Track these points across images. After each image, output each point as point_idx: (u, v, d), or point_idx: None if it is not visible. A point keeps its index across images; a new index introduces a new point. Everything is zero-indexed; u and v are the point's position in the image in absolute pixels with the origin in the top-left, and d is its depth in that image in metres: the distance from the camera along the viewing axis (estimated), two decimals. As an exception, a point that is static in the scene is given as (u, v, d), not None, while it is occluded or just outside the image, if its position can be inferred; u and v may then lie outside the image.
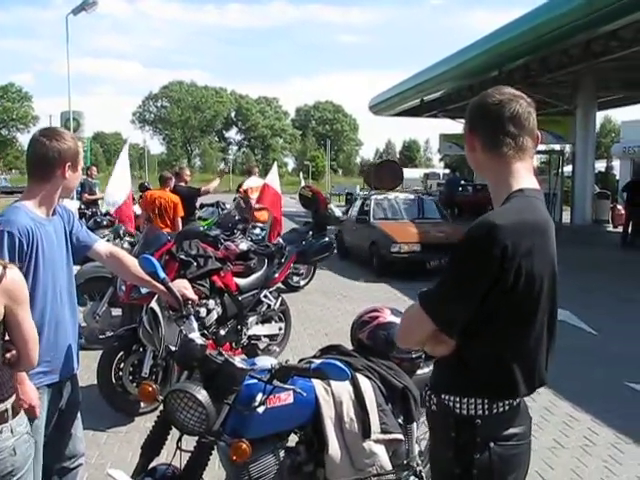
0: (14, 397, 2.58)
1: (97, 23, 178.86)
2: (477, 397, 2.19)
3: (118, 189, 11.08)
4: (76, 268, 3.71)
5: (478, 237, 2.09)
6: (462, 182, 34.07)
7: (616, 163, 41.97)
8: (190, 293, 3.39)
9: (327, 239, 11.75)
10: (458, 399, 2.22)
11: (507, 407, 2.21)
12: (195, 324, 3.17)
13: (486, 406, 2.19)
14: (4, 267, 2.48)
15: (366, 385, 3.39)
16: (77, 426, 3.46)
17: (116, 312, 8.09)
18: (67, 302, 3.22)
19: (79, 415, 3.49)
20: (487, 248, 2.05)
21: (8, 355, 2.57)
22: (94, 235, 3.57)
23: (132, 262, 3.49)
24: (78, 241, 3.36)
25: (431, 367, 3.91)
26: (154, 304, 4.56)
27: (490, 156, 2.26)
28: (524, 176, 2.24)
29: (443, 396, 2.27)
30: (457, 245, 2.15)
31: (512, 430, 2.23)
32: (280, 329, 7.30)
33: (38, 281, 3.00)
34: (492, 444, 2.18)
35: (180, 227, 10.50)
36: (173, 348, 3.54)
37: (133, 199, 15.71)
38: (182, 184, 12.15)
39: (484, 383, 2.20)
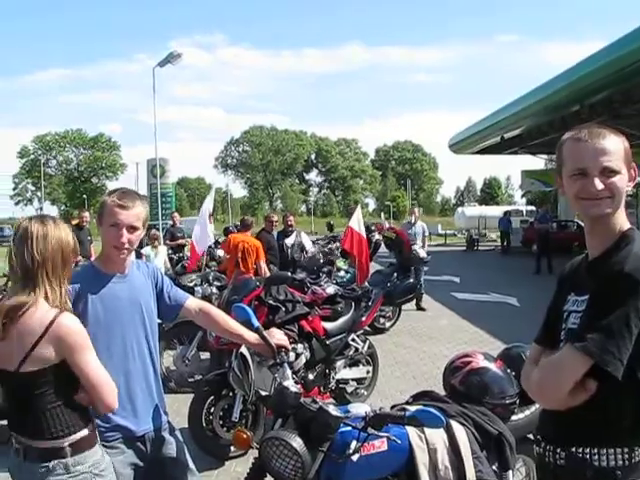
0: (78, 435, 2.57)
1: (179, 73, 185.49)
2: (616, 447, 2.11)
3: (202, 236, 11.71)
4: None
5: None
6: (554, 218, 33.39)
7: None
8: (284, 341, 3.38)
9: (412, 280, 11.74)
10: (596, 450, 2.13)
11: None
12: (289, 372, 3.19)
13: (626, 455, 2.11)
14: (59, 312, 2.52)
15: (460, 432, 3.32)
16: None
17: (205, 355, 8.27)
18: (140, 356, 3.17)
19: (191, 467, 3.32)
20: None
21: (77, 397, 2.58)
22: (184, 293, 3.54)
23: (222, 317, 3.46)
24: (170, 300, 3.37)
25: (526, 413, 3.88)
26: (244, 349, 4.60)
27: None
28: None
29: (575, 449, 2.17)
30: (614, 279, 2.07)
31: None
32: (368, 372, 7.26)
33: (96, 334, 2.87)
34: None
35: (265, 271, 10.41)
36: (263, 393, 3.57)
37: (217, 242, 16.17)
38: (267, 232, 12.37)
39: (629, 431, 2.12)
